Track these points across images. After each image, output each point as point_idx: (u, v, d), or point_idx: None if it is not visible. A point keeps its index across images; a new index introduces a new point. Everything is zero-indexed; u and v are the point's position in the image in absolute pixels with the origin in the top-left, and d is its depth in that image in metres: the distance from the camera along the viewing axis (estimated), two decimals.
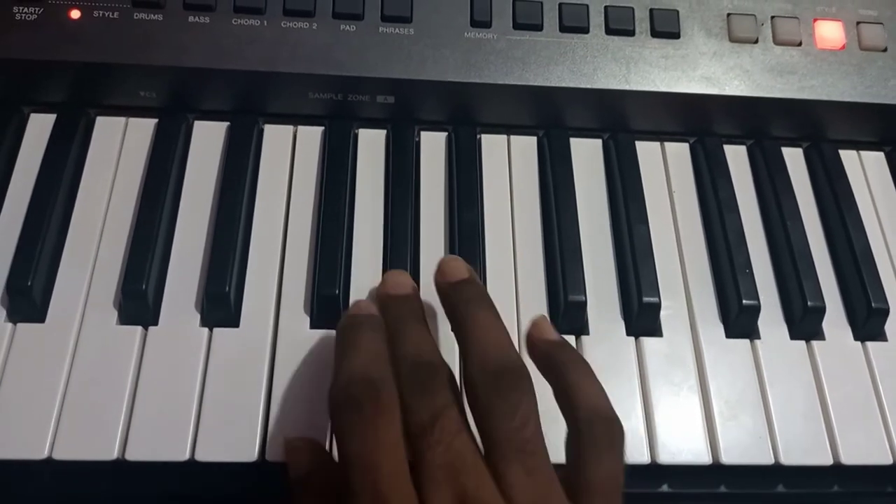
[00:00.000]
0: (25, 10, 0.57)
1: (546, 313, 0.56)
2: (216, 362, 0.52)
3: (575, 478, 0.41)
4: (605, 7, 0.62)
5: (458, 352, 0.51)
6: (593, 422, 0.42)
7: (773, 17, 0.63)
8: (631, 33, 0.61)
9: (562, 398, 0.44)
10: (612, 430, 0.43)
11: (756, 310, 0.56)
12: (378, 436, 0.40)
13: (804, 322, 0.56)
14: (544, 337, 0.48)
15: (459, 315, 0.47)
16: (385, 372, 0.43)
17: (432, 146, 0.62)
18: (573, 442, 0.43)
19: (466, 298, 0.47)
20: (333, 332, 0.53)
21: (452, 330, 0.48)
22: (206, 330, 0.53)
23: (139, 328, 0.52)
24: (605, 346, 0.55)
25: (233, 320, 0.53)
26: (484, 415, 0.42)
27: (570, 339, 0.55)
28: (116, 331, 0.52)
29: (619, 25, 0.61)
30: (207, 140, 0.60)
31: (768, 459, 0.52)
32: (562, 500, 0.40)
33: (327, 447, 0.49)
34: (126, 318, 0.53)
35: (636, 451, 0.51)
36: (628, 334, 0.56)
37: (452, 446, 0.40)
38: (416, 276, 0.56)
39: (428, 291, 0.54)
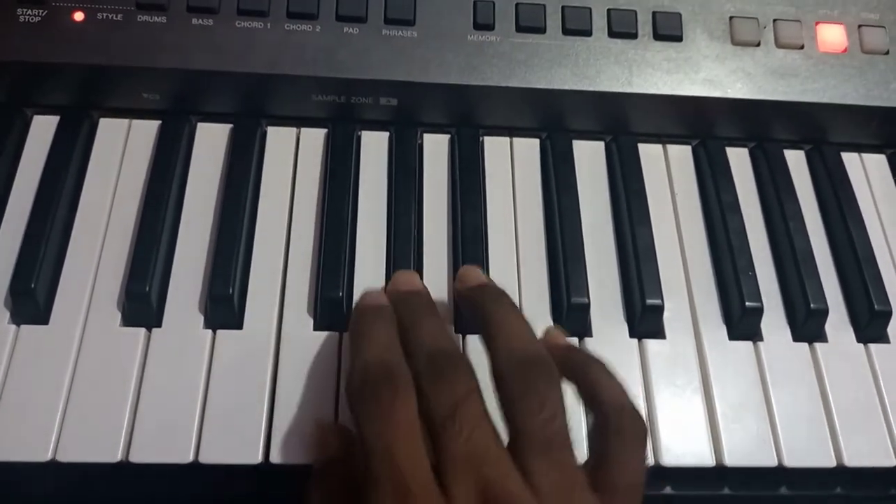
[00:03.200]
0: (29, 12, 0.57)
1: (549, 315, 0.56)
2: (220, 364, 0.52)
3: (601, 472, 0.42)
4: (608, 10, 0.62)
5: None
6: (621, 416, 0.43)
7: (775, 21, 0.63)
8: (634, 36, 0.61)
9: (586, 395, 0.45)
10: (638, 425, 0.43)
11: (759, 312, 0.56)
12: (396, 419, 0.40)
13: (807, 324, 0.56)
14: (559, 342, 0.48)
15: (485, 313, 0.47)
16: (399, 358, 0.43)
17: (435, 148, 0.62)
18: (600, 436, 0.43)
19: (491, 297, 0.48)
20: (337, 333, 0.53)
21: (479, 331, 0.47)
22: (209, 332, 0.53)
23: (143, 330, 0.52)
24: (608, 348, 0.55)
25: (236, 322, 0.53)
26: (511, 405, 0.42)
27: (574, 341, 0.55)
28: (120, 333, 0.52)
29: (621, 28, 0.61)
30: (211, 142, 0.61)
31: (771, 461, 0.52)
32: (587, 495, 0.40)
33: None
34: (129, 319, 0.53)
35: None
36: (631, 336, 0.56)
37: (474, 436, 0.39)
38: (419, 276, 0.56)
39: (434, 293, 0.54)
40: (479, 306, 0.48)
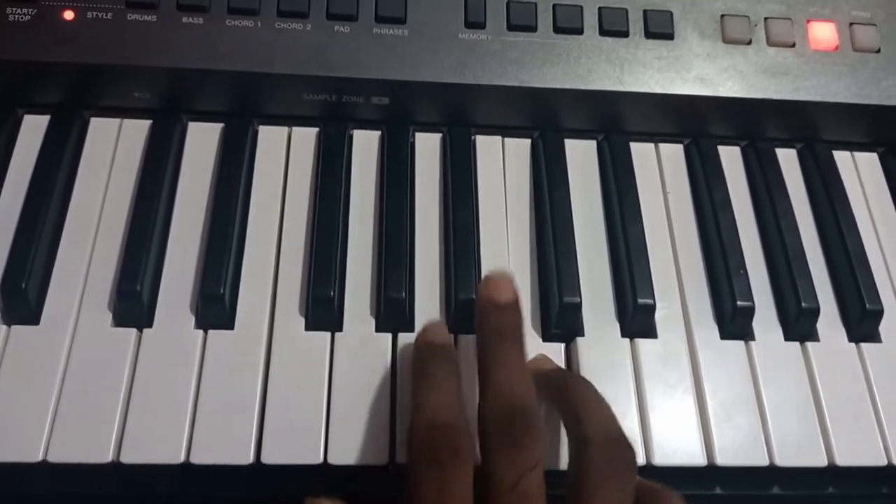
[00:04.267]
0: (19, 11, 0.57)
1: (540, 315, 0.56)
2: (211, 364, 0.52)
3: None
4: (599, 8, 0.62)
5: None
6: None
7: (766, 19, 0.63)
8: (625, 34, 0.61)
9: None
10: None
11: (750, 311, 0.56)
12: (451, 492, 0.40)
13: (798, 323, 0.56)
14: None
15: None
16: (462, 419, 0.42)
17: (427, 147, 0.62)
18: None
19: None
20: (328, 334, 0.53)
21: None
22: (200, 332, 0.53)
23: (134, 330, 0.52)
24: (599, 347, 0.55)
25: (228, 322, 0.53)
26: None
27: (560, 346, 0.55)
28: (111, 333, 0.52)
29: (613, 27, 0.61)
30: (202, 141, 0.60)
31: (763, 461, 0.52)
32: None
33: (321, 453, 0.49)
34: (121, 319, 0.53)
35: None
36: (623, 336, 0.56)
37: None
38: (410, 277, 0.56)
39: (426, 293, 0.54)
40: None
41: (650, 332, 0.56)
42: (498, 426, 0.42)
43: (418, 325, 0.54)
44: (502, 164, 0.62)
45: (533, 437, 0.42)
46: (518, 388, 0.44)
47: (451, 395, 0.44)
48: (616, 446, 0.42)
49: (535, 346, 0.54)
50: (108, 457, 0.48)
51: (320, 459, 0.49)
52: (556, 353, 0.54)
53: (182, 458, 0.49)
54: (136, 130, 0.60)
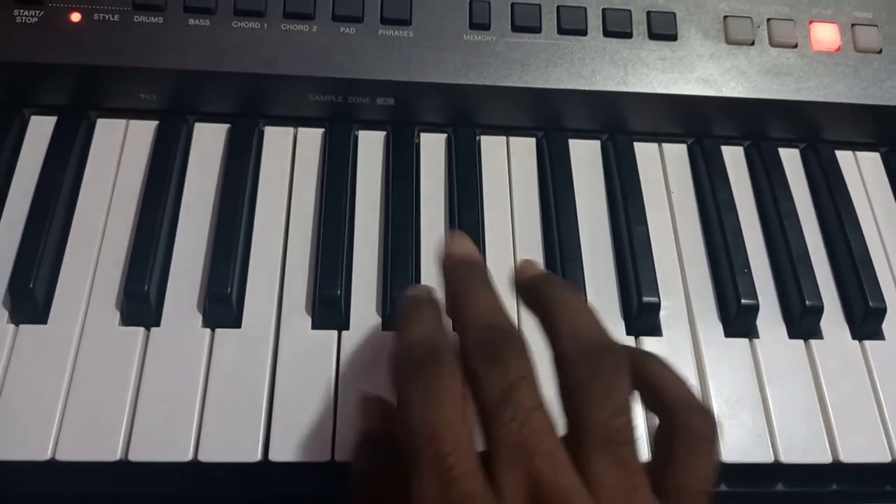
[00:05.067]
0: (26, 12, 0.57)
1: None
2: (218, 363, 0.52)
3: (666, 476, 0.39)
4: (603, 9, 0.62)
5: None
6: (689, 415, 0.40)
7: (769, 20, 0.64)
8: (629, 35, 0.62)
9: (650, 394, 0.42)
10: (708, 424, 0.40)
11: (755, 309, 0.56)
12: (440, 398, 0.37)
13: (802, 321, 0.57)
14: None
15: (547, 297, 0.43)
16: (444, 338, 0.40)
17: (432, 148, 0.62)
18: (666, 437, 0.40)
19: (553, 283, 0.44)
20: (335, 332, 0.53)
21: (540, 319, 0.44)
22: (208, 331, 0.53)
23: (141, 329, 0.52)
24: None
25: (235, 321, 0.53)
26: (574, 394, 0.38)
27: None
28: (119, 332, 0.53)
29: (616, 28, 0.62)
30: (208, 142, 0.61)
31: (768, 458, 0.52)
32: (649, 501, 0.37)
33: (329, 451, 0.49)
34: (128, 319, 0.53)
35: None
36: (628, 334, 0.56)
37: (528, 424, 0.36)
38: (416, 277, 0.56)
39: None
40: (542, 292, 0.44)
41: (655, 331, 0.56)
42: (475, 348, 0.39)
43: None
44: (507, 164, 0.62)
45: (513, 351, 0.39)
46: (491, 311, 0.41)
47: (427, 322, 0.41)
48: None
49: None
50: (117, 455, 0.48)
51: (328, 456, 0.49)
52: None
53: (190, 457, 0.49)
54: (143, 131, 0.61)
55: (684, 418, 0.40)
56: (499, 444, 0.36)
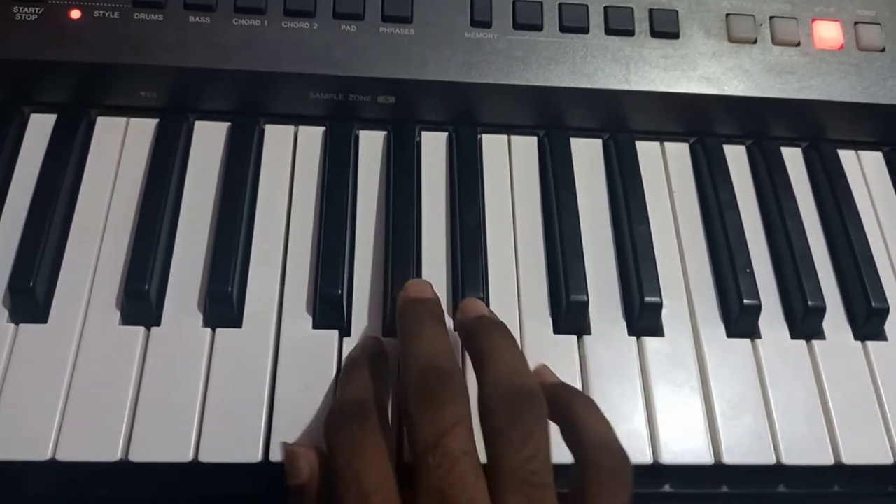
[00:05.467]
0: (25, 10, 0.57)
1: (548, 313, 0.56)
2: (219, 363, 0.52)
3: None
4: (605, 7, 0.62)
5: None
6: (601, 454, 0.42)
7: (771, 18, 0.63)
8: (631, 33, 0.62)
9: (569, 434, 0.44)
10: (621, 464, 0.42)
11: (757, 309, 0.56)
12: (364, 446, 0.40)
13: (805, 322, 0.57)
14: (547, 381, 0.48)
15: (478, 342, 0.46)
16: (372, 394, 0.44)
17: (433, 146, 0.62)
18: (580, 478, 0.42)
19: (487, 328, 0.47)
20: (336, 332, 0.53)
21: (472, 363, 0.47)
22: (208, 330, 0.53)
23: (142, 329, 0.52)
24: (606, 345, 0.55)
25: (235, 321, 0.53)
26: (494, 439, 0.41)
27: (572, 339, 0.55)
28: (119, 331, 0.52)
29: (618, 25, 0.61)
30: (208, 140, 0.60)
31: (770, 459, 0.52)
32: None
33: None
34: (128, 318, 0.53)
35: (638, 452, 0.51)
36: (630, 334, 0.56)
37: (453, 472, 0.38)
38: (417, 275, 0.56)
39: None
40: (474, 336, 0.47)
41: (657, 331, 0.56)
42: (414, 387, 0.41)
43: None
44: (509, 162, 0.62)
45: (449, 395, 0.41)
46: (432, 353, 0.43)
47: (361, 382, 0.45)
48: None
49: (547, 339, 0.55)
50: (117, 455, 0.48)
51: None
52: (567, 346, 0.54)
53: (191, 457, 0.49)
54: (143, 129, 0.60)
55: (595, 456, 0.42)
56: (424, 489, 0.39)
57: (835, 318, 0.58)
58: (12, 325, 0.52)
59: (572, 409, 0.44)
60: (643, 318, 0.56)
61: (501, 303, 0.55)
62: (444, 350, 0.44)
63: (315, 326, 0.54)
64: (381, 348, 0.50)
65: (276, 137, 0.61)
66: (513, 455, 0.40)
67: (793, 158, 0.65)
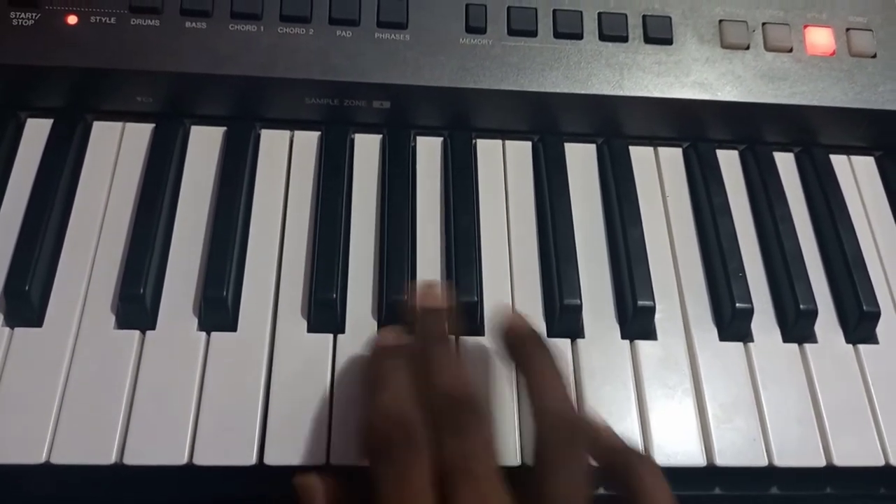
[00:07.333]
0: (22, 15, 0.57)
1: (542, 316, 0.56)
2: (214, 366, 0.52)
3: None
4: (599, 13, 0.62)
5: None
6: (553, 428, 0.43)
7: (764, 24, 0.64)
8: (624, 39, 0.62)
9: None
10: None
11: (749, 313, 0.56)
12: (411, 483, 0.40)
13: (797, 325, 0.57)
14: (613, 445, 0.48)
15: (525, 364, 0.48)
16: (416, 412, 0.43)
17: (428, 151, 0.63)
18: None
19: (533, 352, 0.48)
20: (330, 336, 0.53)
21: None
22: (203, 334, 0.53)
23: (137, 332, 0.52)
24: (599, 349, 0.55)
25: (230, 325, 0.53)
26: (538, 463, 0.43)
27: (566, 342, 0.55)
28: (114, 335, 0.53)
29: (612, 32, 0.62)
30: (204, 145, 0.61)
31: (762, 461, 0.52)
32: None
33: (324, 455, 0.49)
34: (123, 322, 0.53)
35: None
36: (623, 338, 0.56)
37: (479, 490, 0.40)
38: (412, 280, 0.56)
39: None
40: (522, 358, 0.48)
41: (650, 334, 0.56)
42: (441, 416, 0.43)
43: None
44: (503, 167, 0.62)
45: (476, 421, 0.43)
46: (453, 380, 0.45)
47: (400, 390, 0.44)
48: (565, 428, 0.43)
49: None
50: (112, 459, 0.49)
51: (324, 460, 0.49)
52: (560, 349, 0.54)
53: (185, 460, 0.49)
54: (139, 134, 0.61)
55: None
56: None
57: (826, 322, 0.58)
58: (7, 329, 0.52)
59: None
60: (636, 322, 0.56)
61: (495, 307, 0.55)
62: (466, 378, 0.46)
63: (310, 330, 0.54)
64: (401, 339, 0.50)
65: (272, 142, 0.61)
66: (562, 486, 0.42)
67: (785, 163, 0.65)
